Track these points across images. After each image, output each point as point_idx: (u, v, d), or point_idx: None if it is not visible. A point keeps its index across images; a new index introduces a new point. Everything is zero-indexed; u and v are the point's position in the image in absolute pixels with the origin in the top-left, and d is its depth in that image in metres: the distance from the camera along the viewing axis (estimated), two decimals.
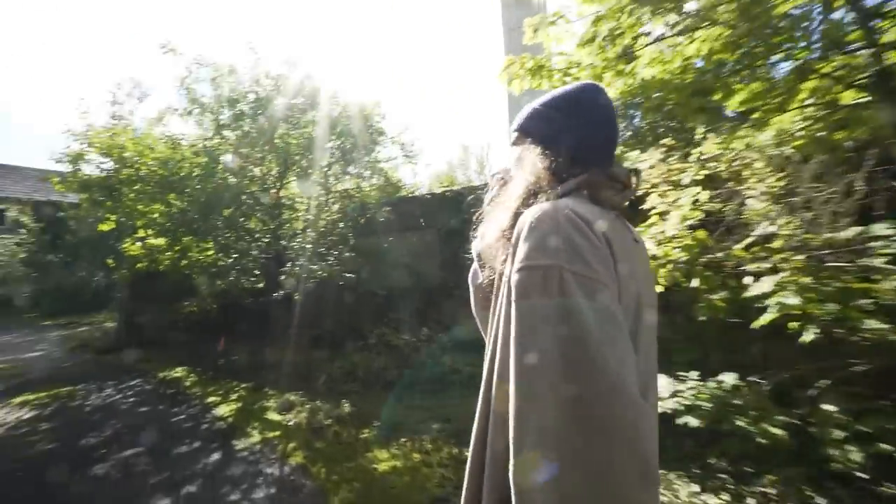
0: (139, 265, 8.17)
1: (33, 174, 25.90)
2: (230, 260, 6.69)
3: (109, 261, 8.50)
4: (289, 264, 6.37)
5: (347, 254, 6.58)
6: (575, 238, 0.63)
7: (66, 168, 7.06)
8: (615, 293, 0.63)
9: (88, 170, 7.35)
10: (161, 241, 7.80)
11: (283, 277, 6.47)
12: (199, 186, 6.08)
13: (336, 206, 6.92)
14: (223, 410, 4.69)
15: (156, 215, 6.92)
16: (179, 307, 8.04)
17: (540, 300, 0.59)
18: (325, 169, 6.58)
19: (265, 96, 6.31)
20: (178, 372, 6.49)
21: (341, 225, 6.65)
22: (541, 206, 0.68)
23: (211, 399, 5.09)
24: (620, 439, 0.52)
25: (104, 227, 7.88)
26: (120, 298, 9.46)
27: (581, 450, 0.51)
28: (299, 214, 7.00)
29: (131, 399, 5.19)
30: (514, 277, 0.63)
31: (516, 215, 0.74)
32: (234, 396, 5.18)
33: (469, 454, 0.74)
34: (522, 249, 0.64)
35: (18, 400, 5.29)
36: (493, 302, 0.77)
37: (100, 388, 5.70)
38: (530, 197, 0.78)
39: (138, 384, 5.89)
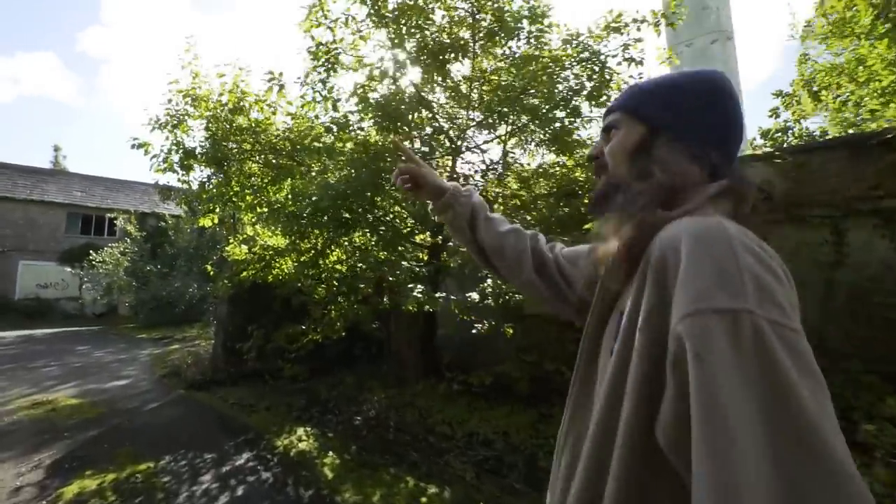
0: (244, 274, 6.18)
1: (141, 188, 26.87)
2: (384, 262, 4.34)
3: (209, 267, 6.63)
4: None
5: None
6: (760, 273, 0.45)
7: (164, 140, 5.14)
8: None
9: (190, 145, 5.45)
10: (279, 239, 5.74)
11: (473, 294, 3.99)
12: (358, 136, 3.77)
13: (543, 187, 4.36)
14: None
15: (281, 196, 4.81)
16: (293, 332, 5.97)
17: (734, 359, 0.41)
18: (539, 124, 4.05)
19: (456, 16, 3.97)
20: (305, 440, 4.16)
21: (555, 217, 4.06)
22: (700, 221, 0.51)
23: None
24: None
25: (205, 222, 6.00)
26: (217, 316, 7.60)
27: None
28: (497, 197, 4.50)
29: None
30: (688, 324, 0.44)
31: (644, 226, 0.57)
32: None
33: None
34: (692, 284, 0.45)
35: (73, 489, 3.17)
36: (590, 322, 0.65)
37: (193, 472, 3.47)
38: (662, 204, 0.60)
39: (250, 466, 3.59)
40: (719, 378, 0.41)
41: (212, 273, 6.54)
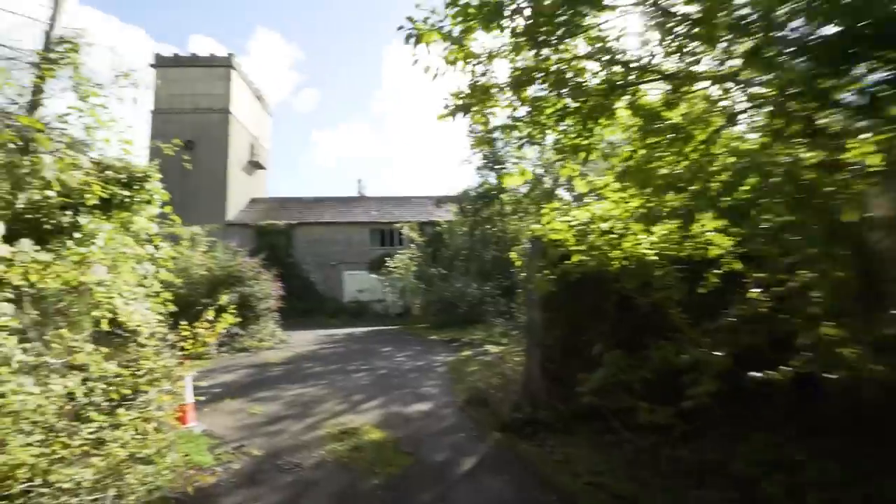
0: (575, 258, 3.80)
1: (418, 201, 29.95)
2: None
3: (513, 254, 4.58)
4: None
5: None
6: None
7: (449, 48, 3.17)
8: None
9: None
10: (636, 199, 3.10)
11: None
12: None
13: None
14: None
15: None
16: (692, 355, 3.25)
17: None
18: None
19: None
20: None
21: None
22: None
23: None
24: None
25: (512, 181, 3.91)
26: (528, 324, 5.55)
27: None
28: None
29: None
30: None
31: None
32: None
33: None
34: None
35: None
36: None
37: None
38: None
39: None
40: None
41: (518, 262, 4.46)
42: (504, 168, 16.14)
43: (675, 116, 3.50)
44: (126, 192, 3.04)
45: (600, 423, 4.26)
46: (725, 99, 3.34)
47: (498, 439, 4.24)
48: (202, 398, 4.63)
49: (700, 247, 3.91)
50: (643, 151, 3.52)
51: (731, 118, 3.47)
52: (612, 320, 4.60)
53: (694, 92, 3.46)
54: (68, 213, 2.72)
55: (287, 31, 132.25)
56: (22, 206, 2.85)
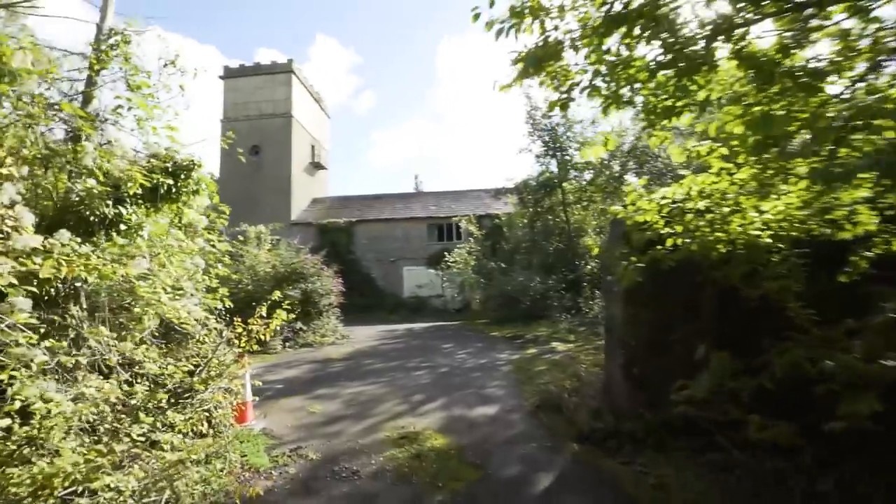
0: (670, 241, 3.17)
1: (475, 194, 29.45)
2: None
3: (589, 241, 3.99)
4: None
5: None
6: None
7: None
8: None
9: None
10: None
11: None
12: None
13: None
14: None
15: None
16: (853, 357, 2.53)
17: None
18: None
19: None
20: None
21: None
22: None
23: None
24: None
25: (588, 152, 3.32)
26: (607, 320, 4.87)
27: None
28: None
29: None
30: None
31: None
32: None
33: None
34: None
35: None
36: None
37: None
38: None
39: None
40: None
41: (594, 250, 3.87)
42: (566, 154, 15.20)
43: (795, 63, 2.83)
44: (170, 181, 2.87)
45: (699, 438, 3.59)
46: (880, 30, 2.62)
47: (576, 452, 3.70)
48: (257, 398, 4.51)
49: (833, 225, 3.13)
50: (757, 108, 2.87)
51: (880, 57, 2.72)
52: (712, 316, 3.88)
53: (825, 28, 2.77)
54: (109, 202, 2.58)
55: (343, 36, 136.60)
56: (73, 197, 2.78)
